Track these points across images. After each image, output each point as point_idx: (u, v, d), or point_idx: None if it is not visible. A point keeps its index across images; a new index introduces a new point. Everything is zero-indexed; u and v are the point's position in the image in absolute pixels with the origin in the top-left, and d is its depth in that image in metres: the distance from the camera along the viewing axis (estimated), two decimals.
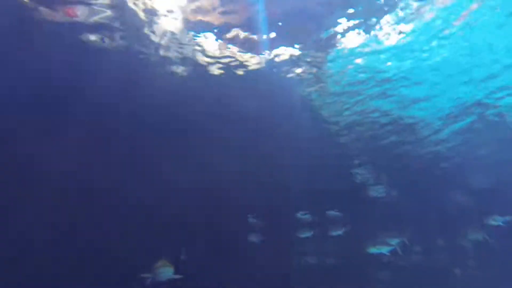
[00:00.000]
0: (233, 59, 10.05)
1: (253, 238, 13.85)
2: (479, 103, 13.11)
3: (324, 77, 11.28)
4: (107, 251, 11.01)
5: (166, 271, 9.29)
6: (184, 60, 10.02)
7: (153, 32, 8.87)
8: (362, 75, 11.31)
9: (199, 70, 10.31)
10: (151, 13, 8.33)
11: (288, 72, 10.81)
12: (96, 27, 8.42)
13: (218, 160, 12.99)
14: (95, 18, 8.18)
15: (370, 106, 12.96)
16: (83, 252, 10.94)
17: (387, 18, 8.94)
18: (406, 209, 16.20)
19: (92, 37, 8.65)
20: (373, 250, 12.67)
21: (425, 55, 10.43)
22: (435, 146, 15.97)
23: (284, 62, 10.38)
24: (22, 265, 10.37)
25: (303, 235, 13.43)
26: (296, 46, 9.82)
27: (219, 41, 9.37)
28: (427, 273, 17.18)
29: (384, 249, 12.91)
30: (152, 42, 9.15)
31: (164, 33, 8.97)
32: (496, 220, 14.06)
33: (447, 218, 17.22)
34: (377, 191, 16.25)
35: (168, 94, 10.94)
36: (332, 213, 14.63)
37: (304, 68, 10.72)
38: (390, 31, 9.33)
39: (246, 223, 14.19)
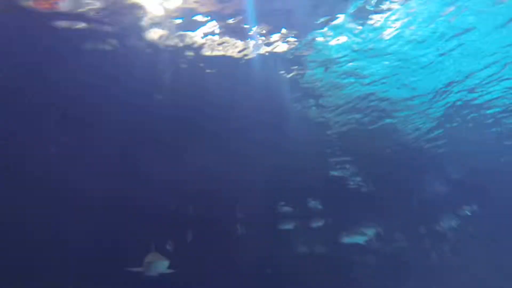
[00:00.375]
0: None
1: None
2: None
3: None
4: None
5: (161, 265, 9.03)
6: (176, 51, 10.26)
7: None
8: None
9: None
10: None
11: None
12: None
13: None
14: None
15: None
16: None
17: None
18: (384, 199, 17.23)
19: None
20: (347, 240, 13.70)
21: None
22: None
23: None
24: None
25: (284, 227, 14.43)
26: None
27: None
28: (410, 258, 18.34)
29: (359, 239, 13.94)
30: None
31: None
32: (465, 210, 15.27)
33: (425, 207, 18.30)
34: (356, 183, 17.25)
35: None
36: (313, 205, 15.63)
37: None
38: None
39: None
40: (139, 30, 9.31)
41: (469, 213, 15.45)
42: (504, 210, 18.27)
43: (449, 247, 18.58)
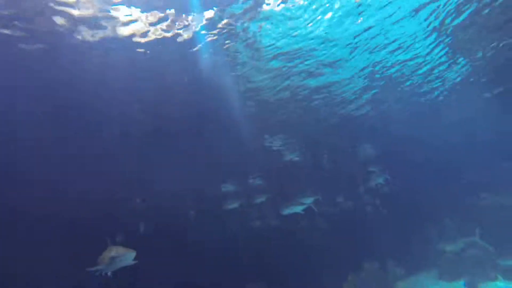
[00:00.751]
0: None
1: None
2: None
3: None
4: None
5: (127, 257, 8.43)
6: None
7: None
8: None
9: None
10: None
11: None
12: None
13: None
14: None
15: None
16: None
17: None
18: (320, 168, 19.01)
19: None
20: (286, 211, 14.91)
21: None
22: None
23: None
24: None
25: (230, 206, 15.43)
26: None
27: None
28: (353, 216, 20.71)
29: (298, 209, 15.14)
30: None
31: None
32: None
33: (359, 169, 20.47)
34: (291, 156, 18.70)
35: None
36: (253, 181, 16.84)
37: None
38: None
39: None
40: None
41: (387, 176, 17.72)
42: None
43: (379, 200, 21.10)
